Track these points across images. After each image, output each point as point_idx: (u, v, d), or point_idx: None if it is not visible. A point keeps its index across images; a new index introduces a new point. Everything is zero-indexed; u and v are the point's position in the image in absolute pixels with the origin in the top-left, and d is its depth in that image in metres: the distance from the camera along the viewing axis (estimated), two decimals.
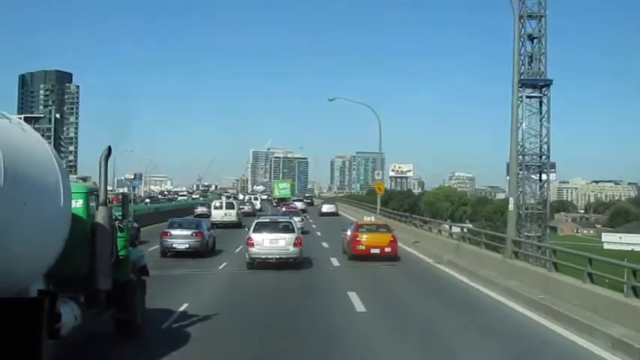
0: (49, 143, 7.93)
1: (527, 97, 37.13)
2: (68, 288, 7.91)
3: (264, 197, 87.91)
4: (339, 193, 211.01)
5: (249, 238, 20.18)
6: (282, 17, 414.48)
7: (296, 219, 27.33)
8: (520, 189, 38.87)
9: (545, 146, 37.68)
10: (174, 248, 22.93)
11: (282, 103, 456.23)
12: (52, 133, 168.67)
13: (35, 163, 6.65)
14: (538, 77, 37.27)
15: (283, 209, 49.53)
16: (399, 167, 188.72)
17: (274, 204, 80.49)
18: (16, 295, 6.75)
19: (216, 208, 41.98)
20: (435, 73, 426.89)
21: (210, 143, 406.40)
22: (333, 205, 62.27)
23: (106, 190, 8.66)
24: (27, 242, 6.63)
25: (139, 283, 10.26)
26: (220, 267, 20.81)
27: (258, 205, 64.09)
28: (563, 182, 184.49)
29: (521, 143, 37.30)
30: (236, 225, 38.97)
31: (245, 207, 54.12)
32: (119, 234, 9.25)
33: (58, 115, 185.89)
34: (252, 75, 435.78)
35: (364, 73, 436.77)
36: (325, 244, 28.85)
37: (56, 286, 7.84)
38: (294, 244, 19.95)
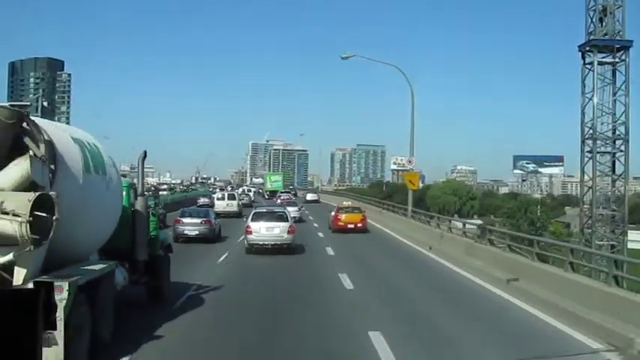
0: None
1: (598, 63, 29.56)
2: (116, 258, 10.91)
3: (253, 189, 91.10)
4: (340, 185, 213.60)
5: (248, 227, 23.38)
6: (283, 12, 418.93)
7: (292, 209, 32.60)
8: (588, 185, 30.40)
9: (622, 128, 29.72)
10: (186, 235, 26.23)
11: (283, 95, 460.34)
12: None
13: (103, 163, 9.69)
14: (613, 37, 29.14)
15: (278, 201, 54.06)
16: (401, 160, 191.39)
17: (266, 196, 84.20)
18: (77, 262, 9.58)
19: (218, 199, 46.27)
20: (434, 66, 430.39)
21: (210, 135, 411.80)
22: (315, 195, 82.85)
23: (143, 184, 11.72)
24: (96, 223, 9.68)
25: (166, 257, 13.32)
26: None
27: (252, 196, 70.49)
28: (569, 176, 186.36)
29: (589, 124, 29.92)
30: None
31: (244, 199, 58.09)
32: (152, 218, 12.32)
33: (45, 103, 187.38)
34: (252, 68, 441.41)
35: (362, 64, 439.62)
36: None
37: (107, 257, 10.85)
38: (288, 232, 23.12)
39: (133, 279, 11.50)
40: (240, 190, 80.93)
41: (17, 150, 8.14)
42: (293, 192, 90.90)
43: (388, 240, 30.14)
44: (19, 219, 7.53)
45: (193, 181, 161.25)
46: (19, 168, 7.99)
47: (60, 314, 7.74)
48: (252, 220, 23.66)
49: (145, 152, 11.86)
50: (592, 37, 29.74)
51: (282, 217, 23.85)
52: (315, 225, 36.66)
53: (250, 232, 23.10)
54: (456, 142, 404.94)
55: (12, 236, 7.65)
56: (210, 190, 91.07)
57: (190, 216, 27.60)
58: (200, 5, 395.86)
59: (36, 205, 7.62)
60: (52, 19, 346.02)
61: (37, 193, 7.69)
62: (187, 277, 15.62)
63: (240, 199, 50.30)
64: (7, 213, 7.61)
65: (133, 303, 12.00)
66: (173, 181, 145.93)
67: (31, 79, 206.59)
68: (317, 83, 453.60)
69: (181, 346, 9.83)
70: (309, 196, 79.14)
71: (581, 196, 32.61)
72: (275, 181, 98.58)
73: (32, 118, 8.36)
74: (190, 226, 26.79)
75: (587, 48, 30.32)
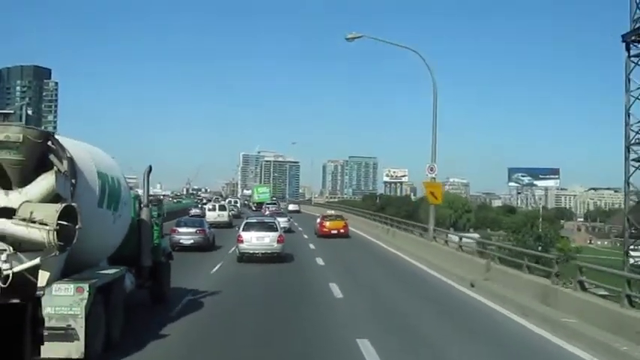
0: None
1: None
2: (123, 264, 12.16)
3: (240, 201, 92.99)
4: (332, 197, 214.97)
5: (240, 236, 24.86)
6: (274, 20, 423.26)
7: (282, 219, 34.98)
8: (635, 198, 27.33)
9: None
10: (181, 243, 27.57)
11: (274, 106, 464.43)
12: None
13: (119, 182, 11.04)
14: None
15: (267, 212, 56.17)
16: (394, 172, 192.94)
17: (253, 208, 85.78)
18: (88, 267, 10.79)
19: (210, 210, 48.81)
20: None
21: (201, 146, 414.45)
22: (297, 205, 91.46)
23: (148, 196, 13.00)
24: (112, 237, 11.01)
25: (167, 264, 14.64)
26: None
27: (239, 208, 74.44)
28: (562, 189, 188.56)
29: (636, 127, 27.51)
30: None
31: (234, 210, 60.56)
32: (155, 227, 13.59)
33: (30, 112, 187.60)
34: (244, 77, 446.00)
35: (356, 75, 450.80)
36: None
37: (115, 263, 12.09)
38: (278, 241, 24.64)
39: (139, 283, 12.77)
40: (227, 201, 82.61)
41: (43, 166, 9.40)
42: (276, 203, 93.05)
43: (411, 273, 22.81)
44: (47, 227, 8.77)
45: (184, 192, 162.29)
46: (45, 182, 9.23)
47: (81, 312, 8.99)
48: (243, 229, 25.17)
49: (150, 167, 13.21)
50: (638, 25, 26.39)
51: (272, 227, 25.38)
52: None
53: (242, 241, 24.58)
54: (449, 154, 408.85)
55: (40, 242, 8.88)
56: (196, 201, 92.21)
57: (186, 225, 29.38)
58: (188, 12, 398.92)
59: (62, 214, 8.88)
60: (39, 25, 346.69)
61: (64, 205, 8.94)
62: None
63: (231, 210, 53.01)
64: (35, 222, 8.89)
65: (138, 306, 13.21)
66: (163, 193, 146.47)
67: (17, 87, 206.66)
68: (309, 94, 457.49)
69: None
70: (291, 207, 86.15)
71: (626, 212, 29.47)
72: (262, 192, 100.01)
73: (57, 137, 9.60)
74: (186, 235, 28.35)
75: (633, 37, 26.95)
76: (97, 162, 10.74)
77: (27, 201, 9.04)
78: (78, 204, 9.36)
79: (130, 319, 11.45)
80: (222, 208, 49.84)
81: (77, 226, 9.15)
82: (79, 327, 8.91)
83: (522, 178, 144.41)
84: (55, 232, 8.76)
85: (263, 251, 24.28)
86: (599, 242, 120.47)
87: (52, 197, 9.24)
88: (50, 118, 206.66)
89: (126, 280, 11.55)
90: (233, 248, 26.60)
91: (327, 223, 39.02)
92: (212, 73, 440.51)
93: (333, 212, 49.04)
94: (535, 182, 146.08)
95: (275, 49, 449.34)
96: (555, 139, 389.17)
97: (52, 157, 9.44)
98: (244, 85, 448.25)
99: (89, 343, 9.01)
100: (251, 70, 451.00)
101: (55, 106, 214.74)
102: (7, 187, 9.21)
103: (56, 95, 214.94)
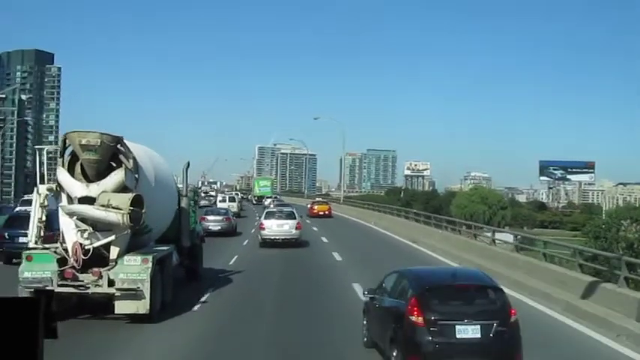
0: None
1: None
2: (168, 244, 15.79)
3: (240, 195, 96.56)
4: (350, 191, 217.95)
5: (262, 224, 28.97)
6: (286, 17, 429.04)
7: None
8: None
9: None
10: (210, 229, 31.79)
11: (292, 98, 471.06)
12: (15, 116, 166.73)
13: (167, 175, 14.64)
14: None
15: (272, 206, 59.95)
16: (415, 165, 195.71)
17: (254, 201, 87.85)
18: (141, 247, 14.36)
19: (220, 201, 56.92)
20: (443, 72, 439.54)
21: (217, 139, 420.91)
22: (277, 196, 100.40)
23: (187, 188, 16.64)
24: (163, 224, 14.68)
25: (200, 246, 18.32)
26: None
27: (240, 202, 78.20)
28: (589, 184, 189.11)
29: None
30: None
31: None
32: (191, 214, 17.23)
33: (23, 97, 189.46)
34: (260, 72, 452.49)
35: (370, 72, 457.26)
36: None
37: (160, 243, 15.71)
38: (296, 228, 28.63)
39: (180, 261, 16.41)
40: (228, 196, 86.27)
41: (114, 164, 13.00)
42: (273, 197, 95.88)
43: None
44: (122, 211, 12.38)
45: (199, 185, 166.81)
46: (117, 176, 12.80)
47: (147, 277, 12.60)
48: (264, 218, 29.40)
49: (189, 163, 16.87)
50: None
51: (291, 215, 29.51)
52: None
53: (263, 228, 28.55)
54: (468, 148, 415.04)
55: (115, 223, 12.50)
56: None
57: (213, 214, 35.91)
58: (207, 7, 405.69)
59: (132, 202, 12.48)
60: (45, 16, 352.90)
61: (134, 194, 12.55)
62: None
63: (240, 201, 61.60)
64: (112, 207, 12.51)
65: (178, 283, 16.86)
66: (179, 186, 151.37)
67: (18, 73, 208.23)
68: (327, 86, 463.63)
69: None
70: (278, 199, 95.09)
71: None
72: (264, 186, 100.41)
73: (125, 141, 13.19)
74: (214, 222, 33.89)
75: None
76: (153, 162, 14.38)
77: (104, 191, 12.65)
78: (141, 193, 12.99)
79: (174, 291, 15.06)
80: (232, 199, 58.30)
81: (143, 211, 12.79)
82: (145, 289, 12.51)
83: (555, 172, 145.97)
84: (128, 215, 12.38)
85: (283, 237, 28.11)
86: None
87: (122, 188, 12.84)
88: (52, 105, 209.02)
89: (174, 256, 15.20)
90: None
91: (316, 207, 56.34)
92: (230, 67, 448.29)
93: (320, 199, 70.46)
94: (568, 176, 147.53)
95: (289, 43, 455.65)
96: (581, 132, 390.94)
97: (121, 156, 13.03)
98: (260, 78, 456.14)
99: (152, 301, 12.63)
100: (265, 62, 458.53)
101: (58, 92, 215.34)
102: (88, 180, 12.82)
103: (59, 81, 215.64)
